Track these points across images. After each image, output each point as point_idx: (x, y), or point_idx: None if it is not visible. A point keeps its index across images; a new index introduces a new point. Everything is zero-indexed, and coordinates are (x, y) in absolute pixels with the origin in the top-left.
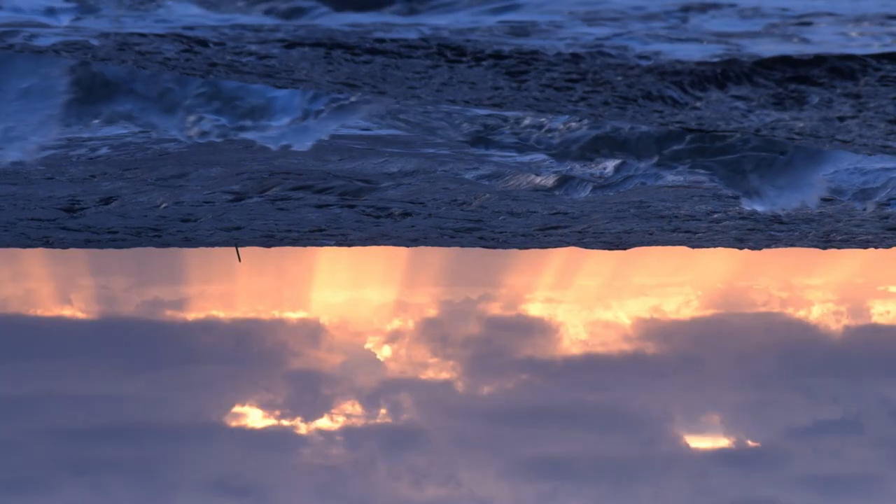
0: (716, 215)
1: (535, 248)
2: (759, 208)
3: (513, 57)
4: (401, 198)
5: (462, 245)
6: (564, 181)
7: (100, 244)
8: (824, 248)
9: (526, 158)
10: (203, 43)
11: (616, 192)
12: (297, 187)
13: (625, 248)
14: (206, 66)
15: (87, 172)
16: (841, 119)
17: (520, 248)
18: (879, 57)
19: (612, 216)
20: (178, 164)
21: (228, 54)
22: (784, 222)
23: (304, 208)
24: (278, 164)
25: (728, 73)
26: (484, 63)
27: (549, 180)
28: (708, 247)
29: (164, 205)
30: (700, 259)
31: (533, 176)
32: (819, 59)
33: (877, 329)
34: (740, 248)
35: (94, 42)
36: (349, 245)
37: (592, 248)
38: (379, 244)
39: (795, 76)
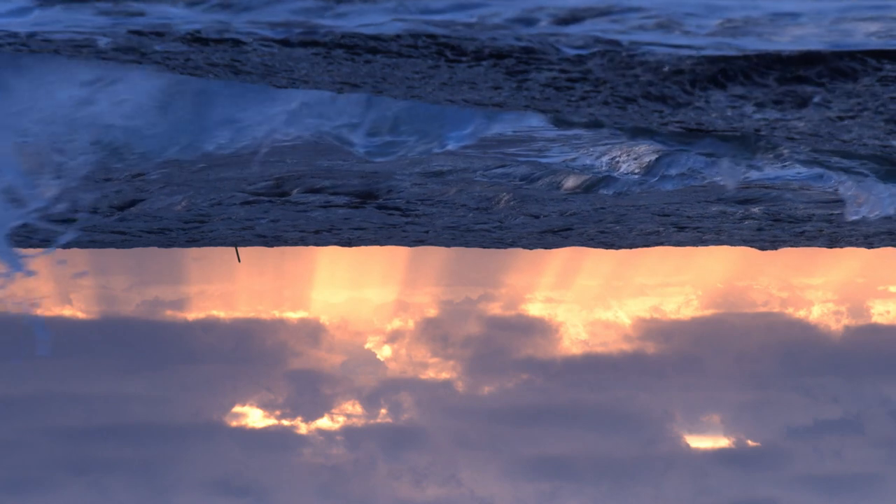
0: (725, 216)
1: (542, 248)
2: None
3: (513, 56)
4: (418, 198)
5: (470, 245)
6: (600, 181)
7: (102, 244)
8: (830, 247)
9: (568, 156)
10: (203, 42)
11: (650, 190)
12: (312, 189)
13: (630, 248)
14: (206, 66)
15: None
16: (841, 119)
17: (527, 248)
18: (879, 57)
19: (619, 217)
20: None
21: (228, 54)
22: (791, 221)
23: (316, 209)
24: (289, 166)
25: (728, 73)
26: (484, 63)
27: (583, 180)
28: (715, 245)
29: (180, 207)
30: (700, 259)
31: (566, 177)
32: (819, 59)
33: (877, 329)
34: (751, 247)
35: (102, 41)
36: (357, 245)
37: (598, 248)
38: (390, 244)
39: (795, 76)
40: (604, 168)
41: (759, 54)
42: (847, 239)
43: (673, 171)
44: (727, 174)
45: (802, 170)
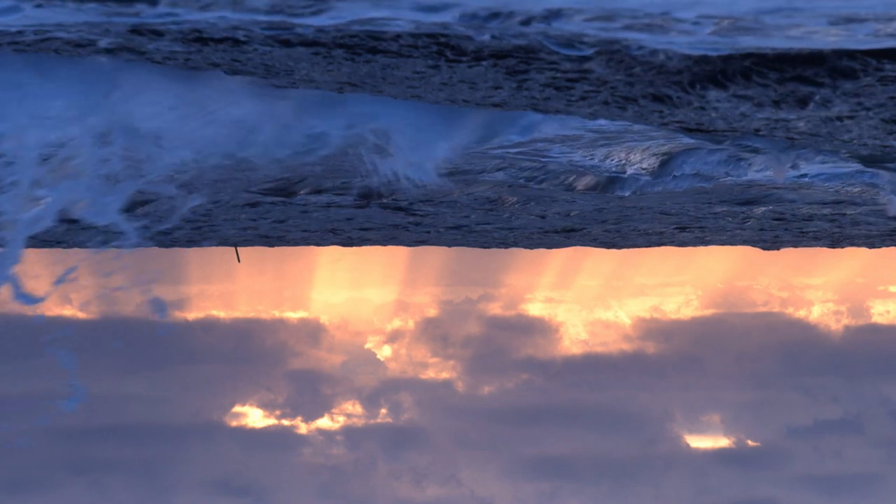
0: (728, 216)
1: (544, 248)
2: None
3: (513, 56)
4: (425, 198)
5: (471, 245)
6: (612, 181)
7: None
8: (832, 247)
9: (575, 157)
10: (203, 41)
11: (664, 190)
12: (316, 189)
13: (631, 248)
14: (206, 66)
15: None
16: (841, 119)
17: (529, 248)
18: (879, 57)
19: (622, 217)
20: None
21: (228, 54)
22: (794, 221)
23: (320, 209)
24: (293, 167)
25: (728, 73)
26: (484, 63)
27: (593, 181)
28: (717, 244)
29: (185, 209)
30: (700, 259)
31: (576, 177)
32: (819, 59)
33: (877, 329)
34: (753, 247)
35: (103, 41)
36: (358, 245)
37: (600, 248)
38: (393, 245)
39: (795, 76)
40: (613, 168)
41: (758, 54)
42: (849, 239)
43: (687, 170)
44: (772, 166)
45: (805, 170)
